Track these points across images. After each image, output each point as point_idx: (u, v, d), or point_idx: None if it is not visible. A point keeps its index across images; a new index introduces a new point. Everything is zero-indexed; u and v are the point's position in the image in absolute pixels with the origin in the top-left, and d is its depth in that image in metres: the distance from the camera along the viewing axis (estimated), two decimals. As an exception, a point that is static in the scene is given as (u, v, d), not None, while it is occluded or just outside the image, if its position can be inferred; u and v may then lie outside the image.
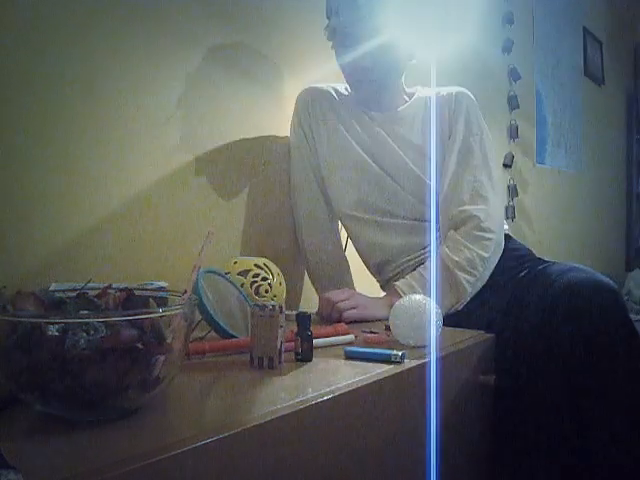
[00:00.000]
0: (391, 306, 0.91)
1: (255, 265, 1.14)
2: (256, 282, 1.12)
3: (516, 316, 1.02)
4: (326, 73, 1.59)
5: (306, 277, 1.52)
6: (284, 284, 1.18)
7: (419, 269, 1.19)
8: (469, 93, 1.34)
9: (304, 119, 1.38)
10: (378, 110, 1.33)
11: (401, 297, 0.95)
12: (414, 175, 1.28)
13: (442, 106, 1.30)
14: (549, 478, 0.91)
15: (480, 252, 1.16)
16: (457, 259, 1.15)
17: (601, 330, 0.89)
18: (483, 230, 1.18)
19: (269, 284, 1.13)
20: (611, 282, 0.96)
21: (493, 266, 1.19)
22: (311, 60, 1.55)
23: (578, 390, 0.90)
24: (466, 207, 1.20)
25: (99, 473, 0.42)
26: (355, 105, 1.35)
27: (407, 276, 1.19)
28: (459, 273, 1.14)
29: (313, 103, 1.37)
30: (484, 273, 1.17)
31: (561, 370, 0.90)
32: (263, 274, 1.14)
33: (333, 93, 1.39)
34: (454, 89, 1.34)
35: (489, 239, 1.18)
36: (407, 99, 1.35)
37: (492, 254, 1.18)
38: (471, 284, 1.14)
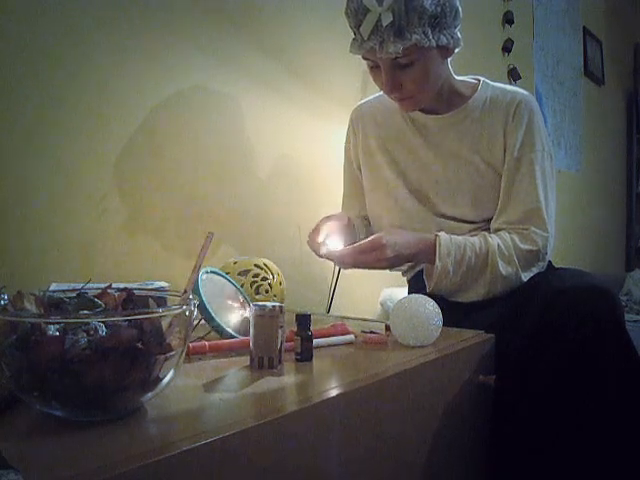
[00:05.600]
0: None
1: (255, 265, 1.14)
2: (256, 282, 1.12)
3: (516, 317, 1.02)
4: (331, 73, 1.60)
5: (306, 277, 1.52)
6: (284, 284, 1.18)
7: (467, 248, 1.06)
8: (534, 101, 1.19)
9: (348, 140, 1.34)
10: (434, 113, 1.21)
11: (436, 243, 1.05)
12: (452, 193, 1.18)
13: (498, 112, 1.17)
14: (549, 478, 0.91)
15: (521, 274, 1.08)
16: (503, 272, 1.06)
17: (595, 334, 0.89)
18: (539, 260, 1.10)
19: (269, 284, 1.13)
20: (608, 287, 0.95)
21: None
22: (317, 60, 1.55)
23: (577, 391, 0.90)
24: (530, 226, 1.10)
25: (99, 473, 0.42)
26: (402, 114, 1.24)
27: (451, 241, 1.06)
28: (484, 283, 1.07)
29: (356, 123, 1.31)
30: (500, 289, 1.09)
31: (560, 371, 0.90)
32: (263, 274, 1.14)
33: (377, 105, 1.29)
34: (518, 94, 1.18)
35: (537, 267, 1.11)
36: (466, 98, 1.20)
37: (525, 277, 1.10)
38: (484, 287, 1.08)
